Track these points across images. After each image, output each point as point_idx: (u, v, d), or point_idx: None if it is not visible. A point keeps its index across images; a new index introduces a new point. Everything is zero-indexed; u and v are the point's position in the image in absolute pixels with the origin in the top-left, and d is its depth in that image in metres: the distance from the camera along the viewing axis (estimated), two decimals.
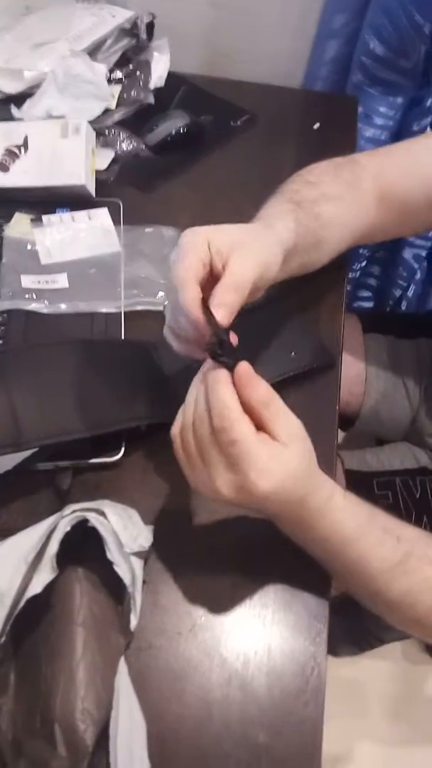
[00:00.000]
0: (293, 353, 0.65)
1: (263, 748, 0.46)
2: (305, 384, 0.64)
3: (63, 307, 0.68)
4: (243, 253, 0.48)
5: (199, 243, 0.48)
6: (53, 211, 0.75)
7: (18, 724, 0.45)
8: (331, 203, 0.62)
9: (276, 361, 0.64)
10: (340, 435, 0.95)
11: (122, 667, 0.47)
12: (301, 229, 0.57)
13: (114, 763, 0.42)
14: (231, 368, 0.44)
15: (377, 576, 0.48)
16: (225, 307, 0.46)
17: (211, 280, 0.48)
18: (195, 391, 0.47)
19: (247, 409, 0.44)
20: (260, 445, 0.43)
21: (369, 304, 1.32)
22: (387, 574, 0.48)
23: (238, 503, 0.45)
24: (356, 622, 1.13)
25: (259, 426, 0.44)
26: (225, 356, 0.44)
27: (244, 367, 0.44)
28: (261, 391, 0.44)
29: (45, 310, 0.67)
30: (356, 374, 0.87)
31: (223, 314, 0.46)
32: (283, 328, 0.67)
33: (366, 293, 1.31)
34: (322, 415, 0.63)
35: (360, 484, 0.82)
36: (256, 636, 0.51)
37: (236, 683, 0.49)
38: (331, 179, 0.64)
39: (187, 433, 0.47)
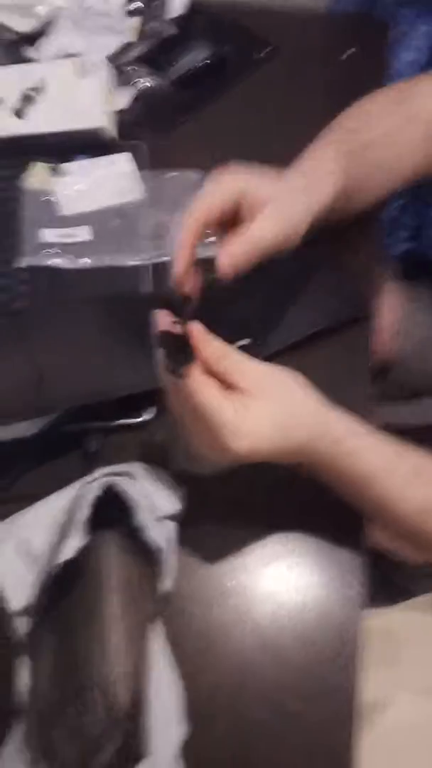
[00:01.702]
0: (325, 305, 0.62)
1: (297, 715, 0.46)
2: (335, 336, 0.61)
3: (87, 261, 0.65)
4: (269, 216, 0.48)
5: (228, 190, 0.49)
6: (72, 159, 0.72)
7: (54, 690, 0.45)
8: (386, 148, 0.59)
9: (306, 314, 0.61)
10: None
11: (158, 631, 0.47)
12: (343, 191, 0.55)
13: (151, 728, 0.43)
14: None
15: (408, 519, 0.46)
16: (231, 257, 0.47)
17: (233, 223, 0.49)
18: None
19: (210, 370, 0.43)
20: (226, 404, 0.42)
21: (407, 245, 1.25)
22: (420, 516, 0.46)
23: (235, 463, 0.45)
24: (387, 575, 1.14)
25: (226, 384, 0.43)
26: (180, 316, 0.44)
27: (192, 330, 0.44)
28: (212, 348, 0.44)
29: (68, 266, 0.65)
30: (392, 323, 0.83)
31: (226, 263, 0.47)
32: (314, 278, 0.64)
33: (404, 233, 1.24)
34: (353, 367, 0.60)
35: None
36: (289, 600, 0.50)
37: (270, 649, 0.48)
38: (388, 114, 0.60)
39: (172, 403, 0.46)
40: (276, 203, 0.49)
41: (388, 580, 1.13)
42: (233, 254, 0.46)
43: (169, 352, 0.43)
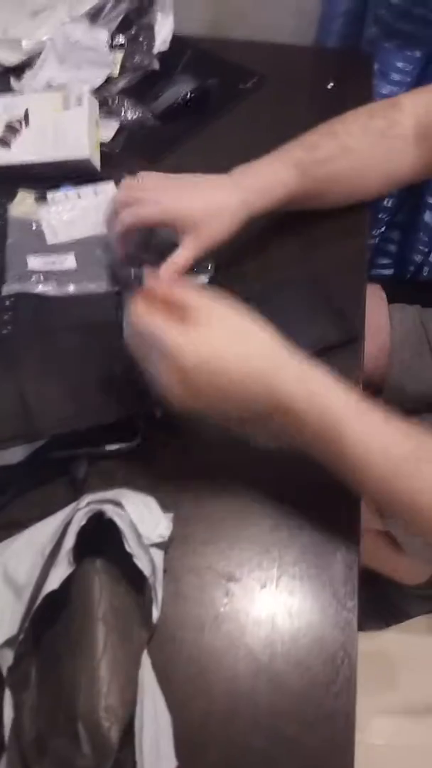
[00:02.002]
0: (314, 329, 0.62)
1: (294, 741, 0.45)
2: (324, 358, 0.60)
3: (71, 288, 0.65)
4: (193, 237, 0.59)
5: (163, 216, 0.60)
6: (57, 188, 0.72)
7: (40, 721, 0.44)
8: (352, 157, 0.64)
9: (297, 338, 0.61)
10: None
11: (145, 660, 0.46)
12: (293, 196, 0.63)
13: (140, 761, 0.41)
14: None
15: (378, 469, 0.45)
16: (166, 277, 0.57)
17: None
18: None
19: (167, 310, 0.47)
20: (172, 325, 0.45)
21: (389, 272, 1.27)
22: (391, 466, 0.45)
23: (199, 401, 0.46)
24: (382, 596, 1.12)
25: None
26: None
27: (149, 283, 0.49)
28: (161, 289, 0.48)
29: (53, 293, 0.65)
30: (380, 345, 0.83)
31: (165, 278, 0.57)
32: (304, 302, 0.65)
33: (386, 260, 1.26)
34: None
35: None
36: (282, 625, 0.49)
37: (263, 675, 0.47)
38: (360, 129, 0.64)
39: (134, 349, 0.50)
40: (201, 224, 0.59)
41: (382, 602, 1.12)
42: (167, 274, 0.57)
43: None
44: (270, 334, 0.47)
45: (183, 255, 0.59)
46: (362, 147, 0.64)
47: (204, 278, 0.64)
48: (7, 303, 0.64)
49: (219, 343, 0.45)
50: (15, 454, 0.53)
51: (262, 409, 0.46)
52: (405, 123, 0.65)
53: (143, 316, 0.46)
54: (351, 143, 0.64)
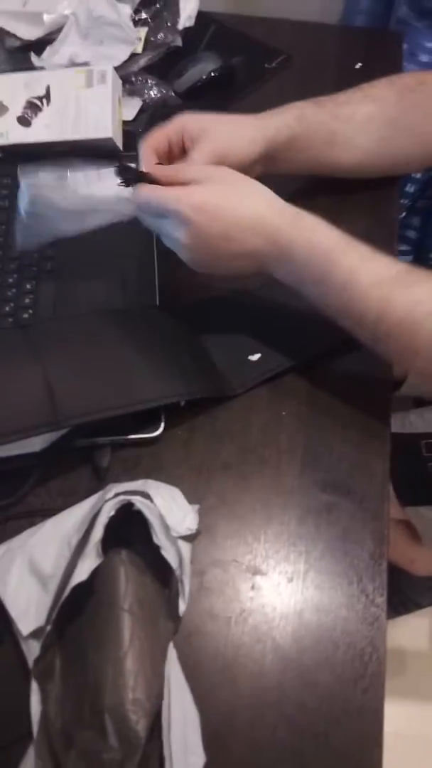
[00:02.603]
0: (333, 327, 0.60)
1: (321, 737, 0.44)
2: (355, 353, 0.59)
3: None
4: (205, 143, 0.54)
5: (171, 125, 0.56)
6: (78, 168, 0.70)
7: (66, 713, 0.43)
8: (372, 103, 0.62)
9: (323, 330, 0.59)
10: None
11: (172, 653, 0.45)
12: (308, 125, 0.60)
13: (168, 754, 0.41)
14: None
15: (371, 292, 0.47)
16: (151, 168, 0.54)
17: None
18: None
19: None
20: (171, 189, 0.50)
21: (408, 258, 1.25)
22: (382, 289, 0.47)
23: (204, 247, 0.50)
24: (393, 586, 1.12)
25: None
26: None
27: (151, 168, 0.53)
28: (162, 173, 0.52)
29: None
30: None
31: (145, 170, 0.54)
32: None
33: (405, 246, 1.24)
34: (374, 382, 0.59)
35: (406, 446, 0.79)
36: (310, 620, 0.48)
37: (291, 670, 0.46)
38: (386, 84, 0.63)
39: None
40: (214, 131, 0.55)
41: (393, 592, 1.12)
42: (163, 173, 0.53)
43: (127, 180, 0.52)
44: (264, 188, 0.51)
45: (193, 158, 0.55)
46: (387, 98, 0.62)
47: (256, 354, 0.60)
48: (29, 286, 0.63)
49: (217, 190, 0.50)
50: (39, 442, 0.52)
51: (263, 250, 0.50)
52: None
53: (146, 191, 0.51)
54: (374, 93, 0.62)
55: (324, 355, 0.59)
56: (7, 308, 0.62)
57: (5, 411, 0.48)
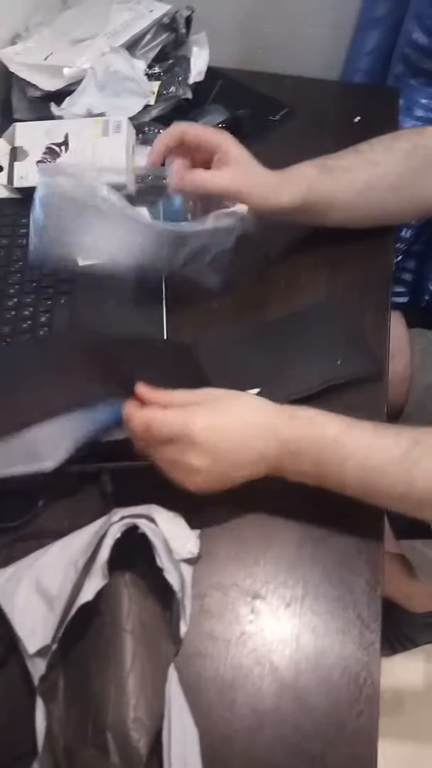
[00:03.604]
0: (339, 360, 0.63)
1: (317, 759, 0.45)
2: (350, 389, 0.62)
3: None
4: (232, 172, 0.59)
5: (191, 127, 0.60)
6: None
7: (69, 731, 0.45)
8: (372, 169, 0.65)
9: (320, 367, 0.62)
10: None
11: (172, 674, 0.46)
12: (316, 194, 0.63)
13: None
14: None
15: (390, 471, 0.48)
16: (180, 176, 0.58)
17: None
18: None
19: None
20: (170, 411, 0.49)
21: (403, 300, 1.30)
22: (398, 466, 0.48)
23: (213, 467, 0.49)
24: (390, 622, 1.12)
25: None
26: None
27: (139, 390, 0.51)
28: (156, 398, 0.51)
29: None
30: (401, 370, 0.85)
31: (177, 177, 0.58)
32: (330, 332, 0.66)
33: (401, 288, 1.29)
34: (362, 411, 0.61)
35: None
36: (307, 644, 0.50)
37: (288, 693, 0.48)
38: (383, 148, 0.66)
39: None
40: (244, 167, 0.59)
41: (390, 629, 1.12)
42: (184, 175, 0.56)
43: None
44: (255, 397, 0.53)
45: (221, 175, 0.58)
46: (386, 163, 0.66)
47: (254, 390, 0.61)
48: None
49: (219, 408, 0.50)
50: (48, 461, 0.54)
51: (270, 451, 0.50)
52: (429, 145, 0.66)
53: (137, 414, 0.49)
54: (374, 158, 0.66)
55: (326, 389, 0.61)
56: (24, 325, 0.66)
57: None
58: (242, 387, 0.61)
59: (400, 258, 1.21)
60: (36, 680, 0.45)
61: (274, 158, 0.83)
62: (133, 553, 0.49)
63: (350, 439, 0.49)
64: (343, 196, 0.65)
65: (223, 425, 0.49)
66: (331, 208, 0.66)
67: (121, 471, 0.57)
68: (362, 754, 0.45)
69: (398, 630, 1.15)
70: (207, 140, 0.60)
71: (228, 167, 0.59)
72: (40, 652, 0.46)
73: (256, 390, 0.61)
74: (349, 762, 0.45)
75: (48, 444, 0.53)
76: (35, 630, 0.47)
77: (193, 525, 0.52)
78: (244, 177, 0.60)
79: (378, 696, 0.47)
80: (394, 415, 0.87)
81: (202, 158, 0.62)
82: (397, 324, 0.87)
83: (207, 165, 0.61)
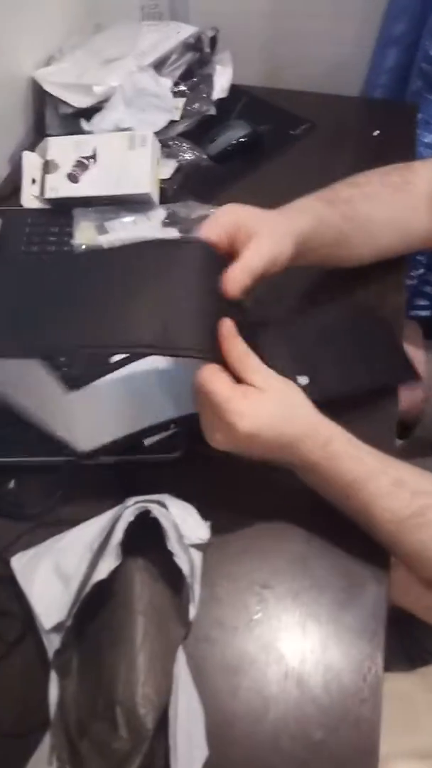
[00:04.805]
0: (375, 366, 0.64)
1: (320, 745, 0.46)
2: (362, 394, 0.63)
3: None
4: (260, 243, 0.55)
5: (229, 220, 0.56)
6: (113, 217, 0.78)
7: (81, 705, 0.47)
8: (370, 203, 0.65)
9: (356, 372, 0.63)
10: (398, 444, 0.93)
11: (181, 656, 0.48)
12: (322, 226, 0.62)
13: (174, 747, 0.43)
14: None
15: (385, 526, 0.50)
16: (235, 282, 0.52)
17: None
18: None
19: (228, 366, 0.50)
20: (234, 391, 0.48)
21: (426, 313, 1.30)
22: (396, 526, 0.50)
23: (235, 449, 0.51)
24: (409, 636, 1.11)
25: (239, 380, 0.50)
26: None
27: (225, 325, 0.50)
28: (238, 349, 0.50)
29: None
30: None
31: (232, 288, 0.52)
32: (370, 340, 0.66)
33: (424, 301, 1.29)
34: (379, 426, 0.63)
35: None
36: (312, 634, 0.51)
37: (292, 679, 0.49)
38: (377, 181, 0.67)
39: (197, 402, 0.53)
40: (264, 232, 0.56)
41: (409, 643, 1.11)
42: (236, 280, 0.52)
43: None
44: (309, 407, 0.52)
45: (251, 257, 0.54)
46: (381, 196, 0.66)
47: (305, 378, 0.60)
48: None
49: (269, 412, 0.49)
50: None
51: (296, 463, 0.52)
52: (419, 185, 0.67)
53: (210, 379, 0.49)
54: (371, 191, 0.66)
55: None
56: None
57: (120, 323, 0.50)
58: (291, 371, 0.58)
59: (422, 271, 1.23)
60: (51, 655, 0.47)
61: (295, 172, 0.86)
62: (145, 540, 0.51)
63: (364, 489, 0.50)
64: (347, 230, 0.65)
65: (266, 436, 0.49)
66: (338, 245, 0.65)
67: (138, 465, 0.60)
68: (364, 741, 0.46)
69: (418, 644, 1.13)
70: (229, 224, 0.56)
71: (250, 246, 0.55)
72: (56, 628, 0.48)
73: (306, 380, 0.60)
74: (352, 748, 0.46)
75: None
76: (51, 607, 0.49)
77: (205, 517, 0.54)
78: (268, 246, 0.56)
79: (381, 685, 0.48)
80: (408, 428, 0.88)
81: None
82: (413, 334, 0.89)
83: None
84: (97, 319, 0.50)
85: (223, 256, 0.55)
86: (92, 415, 0.60)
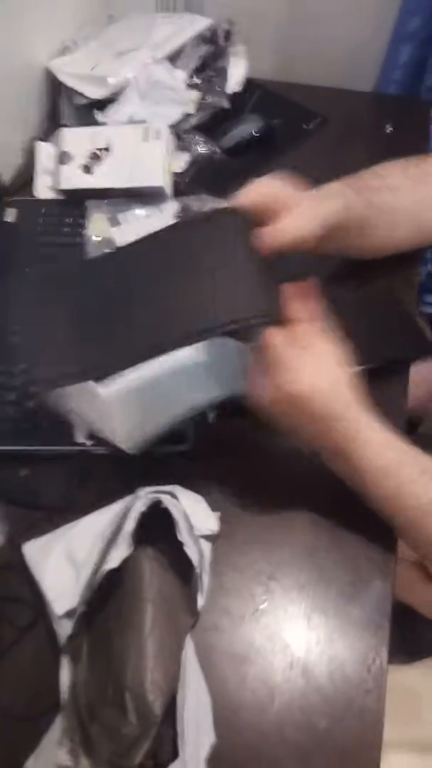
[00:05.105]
0: (393, 340, 0.66)
1: (324, 734, 0.47)
2: (372, 384, 0.64)
3: None
4: (295, 216, 0.56)
5: (268, 189, 0.57)
6: (125, 210, 0.79)
7: (91, 691, 0.48)
8: (392, 194, 0.66)
9: (373, 345, 0.64)
10: None
11: (189, 644, 0.49)
12: (350, 213, 0.62)
13: (181, 733, 0.44)
14: None
15: (409, 513, 0.51)
16: (274, 238, 0.54)
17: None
18: None
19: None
20: (304, 350, 0.50)
21: None
22: (419, 512, 0.50)
23: (278, 410, 0.51)
24: (411, 630, 1.12)
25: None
26: None
27: (304, 285, 0.52)
28: (308, 307, 0.51)
29: None
30: (424, 375, 0.86)
31: (271, 242, 0.53)
32: (385, 316, 0.69)
33: (431, 298, 1.29)
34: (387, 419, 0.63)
35: None
36: (318, 625, 0.52)
37: (298, 669, 0.50)
38: (398, 173, 0.67)
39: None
40: (299, 207, 0.57)
41: (410, 636, 1.12)
42: (271, 233, 0.54)
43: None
44: (357, 392, 0.52)
45: (289, 226, 0.55)
46: (404, 187, 0.67)
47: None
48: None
49: (328, 384, 0.50)
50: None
51: (328, 443, 0.52)
52: None
53: (278, 337, 0.50)
54: (394, 182, 0.67)
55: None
56: None
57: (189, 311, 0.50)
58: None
59: (430, 268, 1.23)
60: (62, 640, 0.48)
61: (307, 165, 0.86)
62: (156, 530, 0.52)
63: (394, 476, 0.51)
64: (373, 218, 0.65)
65: (314, 390, 0.50)
66: (362, 233, 0.66)
67: (148, 456, 0.60)
68: (369, 732, 0.47)
69: (419, 638, 1.14)
70: (267, 193, 0.57)
71: (288, 213, 0.56)
72: (68, 614, 0.49)
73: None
74: (356, 737, 0.47)
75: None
76: (63, 593, 0.50)
77: (215, 508, 0.55)
78: (301, 215, 0.57)
79: (385, 677, 0.49)
80: (416, 424, 0.89)
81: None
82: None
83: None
84: (161, 316, 0.51)
85: (255, 222, 0.55)
86: (133, 414, 0.59)
